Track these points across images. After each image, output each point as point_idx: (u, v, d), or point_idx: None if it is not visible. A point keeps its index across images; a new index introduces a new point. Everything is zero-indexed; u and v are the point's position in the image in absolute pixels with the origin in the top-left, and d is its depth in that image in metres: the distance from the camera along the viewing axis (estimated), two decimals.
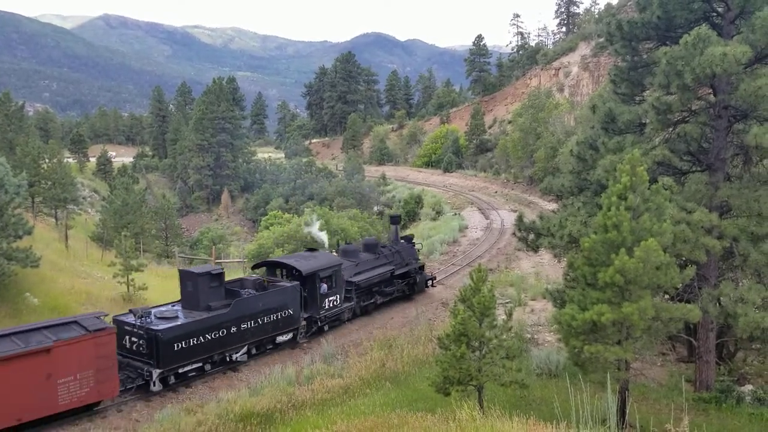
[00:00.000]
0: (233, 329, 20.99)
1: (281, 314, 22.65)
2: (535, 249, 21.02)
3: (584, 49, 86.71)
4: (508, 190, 68.72)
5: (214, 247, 49.59)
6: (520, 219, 21.30)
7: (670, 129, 17.51)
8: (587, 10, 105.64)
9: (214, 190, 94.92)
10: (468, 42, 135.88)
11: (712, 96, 16.92)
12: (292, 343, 23.62)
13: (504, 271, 34.48)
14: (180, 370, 19.65)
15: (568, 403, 12.25)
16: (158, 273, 37.79)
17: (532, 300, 28.37)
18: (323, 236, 31.37)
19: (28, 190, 36.46)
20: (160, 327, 19.18)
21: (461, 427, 11.48)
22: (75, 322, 17.89)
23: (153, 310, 20.49)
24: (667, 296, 16.60)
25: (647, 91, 18.22)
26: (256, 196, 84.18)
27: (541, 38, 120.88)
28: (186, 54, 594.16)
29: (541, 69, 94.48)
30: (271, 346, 22.97)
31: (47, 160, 45.47)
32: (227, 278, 23.33)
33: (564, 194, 20.64)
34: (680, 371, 19.44)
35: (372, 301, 27.77)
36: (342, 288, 25.57)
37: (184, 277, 21.35)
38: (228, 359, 21.25)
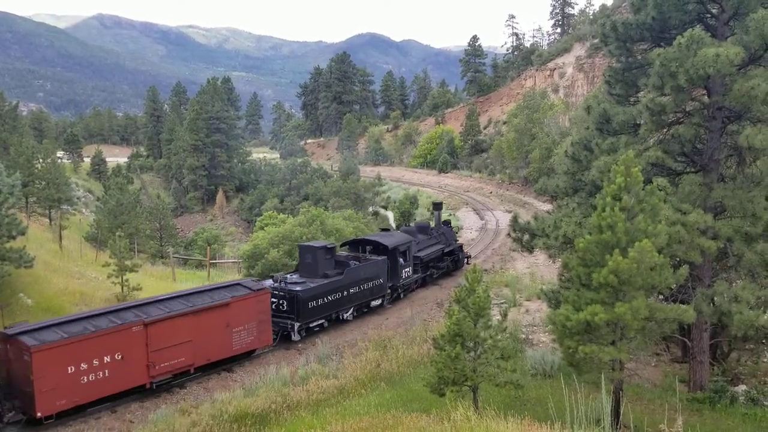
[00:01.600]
0: (345, 293, 25.86)
1: (375, 282, 27.48)
2: (530, 250, 21.05)
3: (579, 50, 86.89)
4: (503, 190, 68.81)
5: (209, 247, 49.46)
6: (515, 219, 21.34)
7: (665, 130, 17.56)
8: (582, 11, 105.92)
9: (208, 191, 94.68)
10: (463, 43, 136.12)
11: (706, 97, 16.98)
12: (380, 308, 28.29)
13: (499, 272, 34.53)
14: (310, 324, 24.38)
15: (562, 404, 12.29)
16: (152, 273, 37.69)
17: (527, 300, 28.41)
18: (391, 220, 37.79)
19: (22, 190, 36.29)
20: (299, 288, 23.97)
21: (456, 427, 11.49)
22: (239, 284, 22.64)
23: (286, 277, 25.22)
24: (661, 297, 16.65)
25: (641, 92, 18.26)
26: (251, 196, 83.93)
27: (536, 39, 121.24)
28: (181, 54, 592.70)
29: (536, 70, 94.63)
30: (366, 309, 27.54)
31: (41, 160, 45.28)
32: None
33: (559, 195, 20.69)
34: (674, 371, 19.50)
35: (429, 273, 32.35)
36: (412, 261, 30.30)
37: (304, 250, 26.16)
38: (340, 317, 26.10)
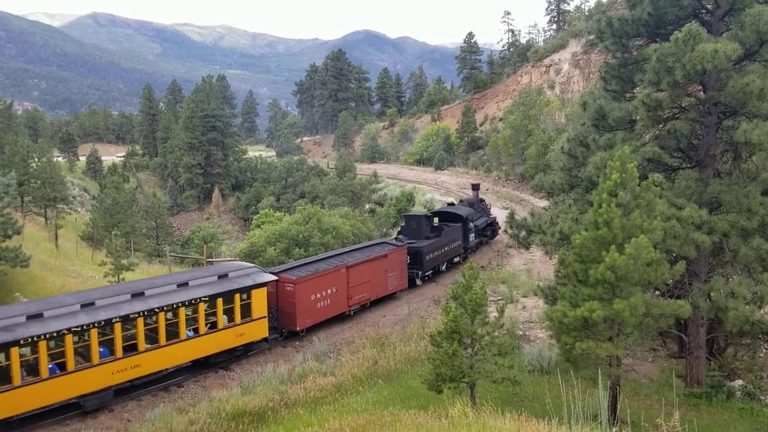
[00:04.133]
0: (442, 250, 33.27)
1: (457, 243, 35.11)
2: (527, 246, 21.06)
3: (575, 46, 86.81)
4: (499, 187, 68.82)
5: (205, 245, 49.38)
6: (511, 216, 21.35)
7: (660, 126, 17.58)
8: (578, 8, 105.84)
9: (204, 189, 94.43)
10: (459, 39, 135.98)
11: (701, 93, 17.00)
12: (456, 265, 34.84)
13: (496, 269, 34.54)
14: (426, 273, 31.83)
15: (559, 400, 12.29)
16: (149, 272, 37.56)
17: (524, 297, 28.42)
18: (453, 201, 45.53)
19: (17, 189, 36.19)
20: (422, 245, 31.40)
21: (453, 423, 11.48)
22: (384, 242, 31.04)
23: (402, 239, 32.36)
24: (657, 292, 16.67)
25: (637, 88, 18.29)
26: (247, 194, 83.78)
27: (531, 36, 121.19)
28: (176, 52, 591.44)
29: (532, 66, 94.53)
30: (450, 264, 34.54)
31: (36, 159, 45.14)
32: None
33: (555, 191, 20.70)
34: (671, 367, 19.53)
35: (480, 240, 39.82)
36: (474, 229, 37.84)
37: (410, 218, 34.01)
38: (438, 269, 33.31)
